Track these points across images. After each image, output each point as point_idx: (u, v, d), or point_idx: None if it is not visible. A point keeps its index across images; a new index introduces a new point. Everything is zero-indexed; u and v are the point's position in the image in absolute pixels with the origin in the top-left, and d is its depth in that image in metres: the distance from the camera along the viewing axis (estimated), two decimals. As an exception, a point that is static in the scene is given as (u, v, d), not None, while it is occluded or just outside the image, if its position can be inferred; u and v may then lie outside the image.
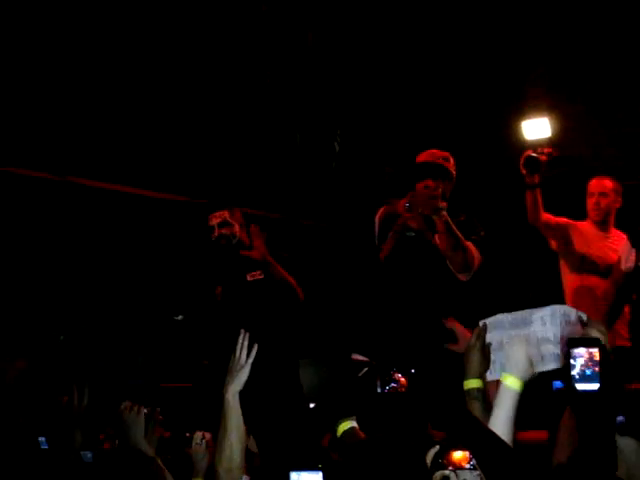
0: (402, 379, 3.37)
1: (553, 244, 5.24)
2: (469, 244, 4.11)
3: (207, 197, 6.74)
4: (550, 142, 5.25)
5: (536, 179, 4.85)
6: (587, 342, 3.26)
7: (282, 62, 7.28)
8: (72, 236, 6.69)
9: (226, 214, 5.41)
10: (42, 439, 4.13)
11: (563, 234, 5.17)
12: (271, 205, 7.08)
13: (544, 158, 4.88)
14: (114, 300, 6.70)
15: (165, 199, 7.09)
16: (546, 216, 5.12)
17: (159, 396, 5.21)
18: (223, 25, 6.83)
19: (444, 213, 4.05)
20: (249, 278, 5.28)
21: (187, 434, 3.95)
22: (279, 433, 4.60)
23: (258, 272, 5.24)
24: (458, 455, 3.23)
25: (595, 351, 3.24)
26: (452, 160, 4.41)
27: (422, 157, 4.42)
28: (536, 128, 5.35)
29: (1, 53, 6.11)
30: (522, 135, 5.37)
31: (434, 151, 4.45)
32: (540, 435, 3.90)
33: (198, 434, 3.88)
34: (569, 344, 3.37)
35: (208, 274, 5.43)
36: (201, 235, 5.54)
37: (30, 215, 6.56)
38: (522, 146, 5.30)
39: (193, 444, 3.86)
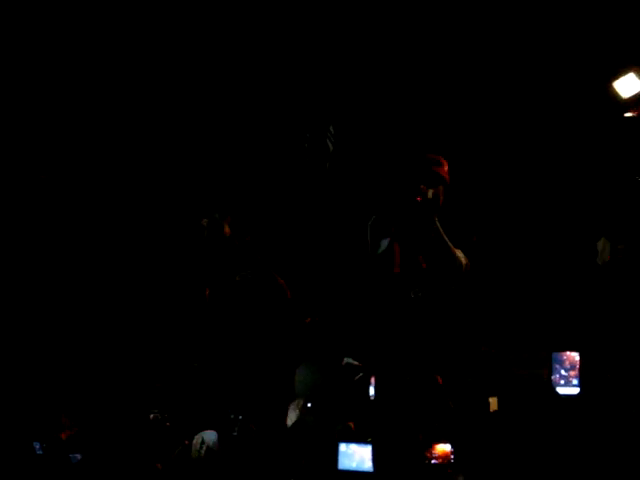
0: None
1: None
2: (457, 251, 4.14)
3: (199, 198, 6.78)
4: None
5: None
6: (568, 347, 3.39)
7: (275, 62, 7.32)
8: (65, 235, 6.72)
9: (216, 215, 5.46)
10: (37, 445, 4.20)
11: None
12: (264, 205, 7.12)
13: (637, 113, 4.89)
14: (104, 299, 6.73)
15: (156, 199, 7.12)
16: None
17: (154, 397, 5.28)
18: (218, 28, 6.86)
19: (434, 218, 4.07)
20: (238, 278, 5.32)
21: (186, 441, 3.95)
22: (271, 426, 4.66)
23: (247, 272, 5.28)
24: (441, 448, 3.38)
25: (576, 356, 3.36)
26: (446, 164, 4.41)
27: (415, 162, 4.42)
28: (628, 84, 5.38)
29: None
30: (618, 95, 5.38)
31: (427, 155, 4.45)
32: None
33: (197, 439, 3.89)
34: (551, 349, 3.50)
35: (197, 275, 5.47)
36: (191, 236, 5.59)
37: (27, 214, 6.59)
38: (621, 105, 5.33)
39: (193, 450, 3.87)
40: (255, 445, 3.99)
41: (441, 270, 3.98)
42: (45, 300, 6.43)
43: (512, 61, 6.84)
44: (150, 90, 6.79)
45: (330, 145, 7.74)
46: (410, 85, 7.28)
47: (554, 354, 3.43)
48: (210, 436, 3.90)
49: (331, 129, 7.76)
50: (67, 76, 6.45)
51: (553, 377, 3.36)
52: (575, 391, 3.32)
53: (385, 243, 4.27)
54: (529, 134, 6.98)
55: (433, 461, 3.42)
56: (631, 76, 5.33)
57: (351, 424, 3.76)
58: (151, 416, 4.02)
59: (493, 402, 3.67)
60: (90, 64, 6.48)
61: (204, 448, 3.85)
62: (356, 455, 3.19)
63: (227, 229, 5.32)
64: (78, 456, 4.04)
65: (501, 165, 6.56)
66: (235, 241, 5.30)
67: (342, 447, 3.14)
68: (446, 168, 4.28)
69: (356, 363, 4.40)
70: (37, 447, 4.15)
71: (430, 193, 4.08)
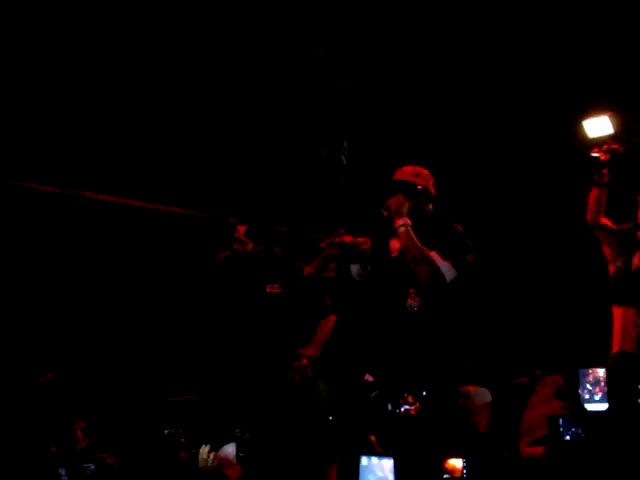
0: (413, 401, 3.41)
1: (606, 251, 5.19)
2: (433, 254, 4.14)
3: (222, 212, 6.75)
4: (613, 139, 5.29)
5: (602, 178, 4.88)
6: (594, 363, 3.32)
7: (289, 74, 7.32)
8: (80, 249, 6.70)
9: (241, 230, 5.39)
10: (62, 471, 4.16)
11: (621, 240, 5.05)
12: (278, 218, 7.09)
13: (605, 157, 4.90)
14: (122, 310, 6.70)
15: (182, 214, 7.10)
16: (605, 220, 5.08)
17: (167, 411, 5.23)
18: (230, 38, 6.87)
19: (402, 230, 4.09)
20: (268, 290, 5.28)
21: (193, 450, 3.92)
22: (298, 439, 4.61)
23: (277, 285, 5.24)
24: (453, 462, 3.34)
25: (602, 371, 3.29)
26: (426, 174, 4.43)
27: (397, 175, 4.49)
28: (598, 126, 5.40)
29: (9, 68, 6.14)
30: (585, 134, 5.44)
31: (405, 168, 4.50)
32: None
33: (204, 449, 3.85)
34: (577, 364, 3.43)
35: (228, 280, 5.42)
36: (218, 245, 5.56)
37: (38, 228, 6.57)
38: (586, 145, 5.36)
39: (200, 458, 3.82)
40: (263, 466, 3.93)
41: (418, 275, 4.02)
42: (58, 306, 6.40)
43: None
44: (166, 100, 6.79)
45: (344, 159, 7.74)
46: (423, 102, 7.30)
47: (580, 370, 3.36)
48: (228, 450, 3.84)
49: (345, 144, 7.77)
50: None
51: (580, 393, 3.29)
52: (603, 407, 3.25)
53: (356, 268, 4.33)
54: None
55: (445, 476, 3.38)
56: (604, 119, 5.37)
57: (372, 438, 3.70)
58: (165, 432, 3.97)
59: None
60: (97, 77, 6.49)
61: (211, 458, 3.79)
62: (377, 469, 3.13)
63: (250, 246, 5.25)
64: (92, 466, 3.99)
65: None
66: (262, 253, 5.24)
67: (364, 460, 3.09)
68: (426, 176, 4.31)
69: (371, 379, 4.34)
70: (62, 473, 4.10)
71: (405, 206, 4.12)
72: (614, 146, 4.90)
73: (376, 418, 3.69)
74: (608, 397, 3.26)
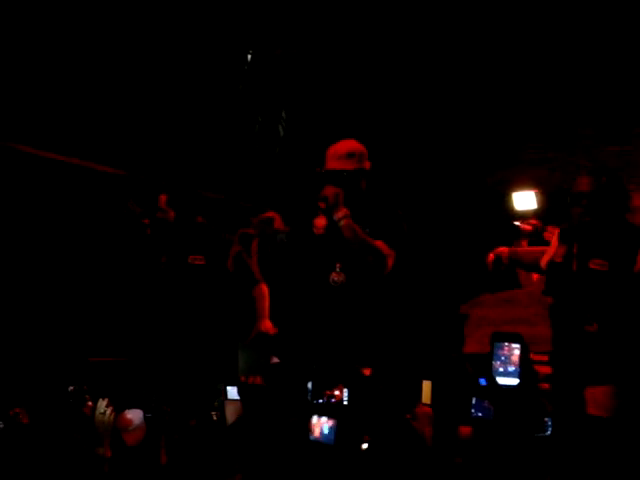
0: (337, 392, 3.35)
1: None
2: (379, 243, 4.03)
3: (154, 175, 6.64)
4: (536, 214, 5.61)
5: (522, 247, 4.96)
6: (510, 338, 3.32)
7: (231, 45, 7.23)
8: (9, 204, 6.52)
9: (163, 198, 5.29)
10: None
11: None
12: (212, 186, 7.00)
13: (529, 228, 4.96)
14: (48, 270, 6.55)
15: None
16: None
17: (87, 371, 5.14)
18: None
19: (344, 223, 3.86)
20: (190, 260, 5.19)
21: (90, 403, 3.80)
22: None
23: (200, 257, 5.15)
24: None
25: (517, 347, 3.30)
26: (359, 151, 4.22)
27: (329, 159, 4.25)
28: (524, 200, 5.75)
29: None
30: (512, 205, 5.80)
31: (336, 148, 4.26)
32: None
33: (102, 402, 3.73)
34: (493, 338, 3.43)
35: (154, 244, 5.33)
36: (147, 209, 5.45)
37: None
38: (511, 216, 5.64)
39: (96, 413, 3.71)
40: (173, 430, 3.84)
41: (363, 264, 3.91)
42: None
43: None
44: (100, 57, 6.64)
45: (281, 130, 7.67)
46: (366, 75, 7.29)
47: (496, 344, 3.36)
48: (128, 416, 3.73)
49: (283, 114, 7.69)
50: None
51: (493, 367, 3.30)
52: (515, 382, 3.26)
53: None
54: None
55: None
56: (530, 194, 5.72)
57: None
58: (70, 388, 3.86)
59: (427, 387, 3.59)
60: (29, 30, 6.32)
61: (108, 411, 3.68)
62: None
63: (171, 214, 5.15)
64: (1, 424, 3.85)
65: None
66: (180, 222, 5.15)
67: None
68: (359, 156, 4.11)
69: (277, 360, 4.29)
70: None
71: (342, 195, 3.89)
72: (536, 222, 5.00)
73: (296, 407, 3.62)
74: (520, 372, 3.27)
